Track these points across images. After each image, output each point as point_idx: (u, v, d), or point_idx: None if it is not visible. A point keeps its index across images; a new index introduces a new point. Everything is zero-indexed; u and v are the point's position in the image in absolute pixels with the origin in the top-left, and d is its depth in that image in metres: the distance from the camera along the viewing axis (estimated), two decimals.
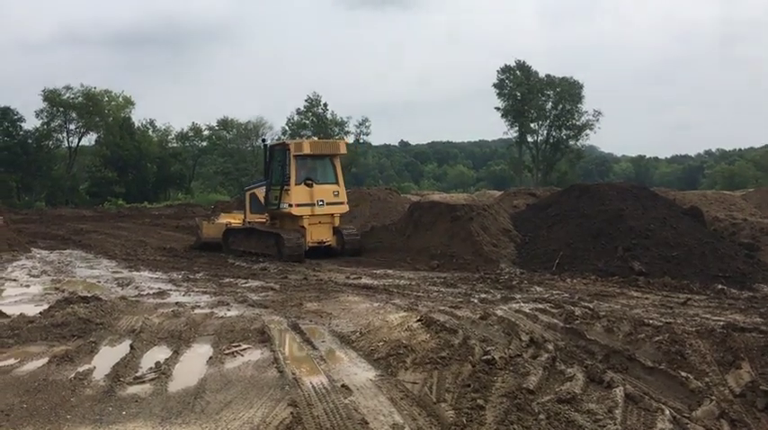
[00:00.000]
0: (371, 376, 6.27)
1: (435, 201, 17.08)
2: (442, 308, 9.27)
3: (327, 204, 16.36)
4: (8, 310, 9.05)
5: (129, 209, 41.07)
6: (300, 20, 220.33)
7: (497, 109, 61.70)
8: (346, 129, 61.35)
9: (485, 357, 6.53)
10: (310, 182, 16.30)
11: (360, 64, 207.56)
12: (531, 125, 61.42)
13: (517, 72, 61.98)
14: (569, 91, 59.80)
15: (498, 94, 61.74)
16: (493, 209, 15.89)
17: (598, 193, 15.17)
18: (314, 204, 16.19)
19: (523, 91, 60.29)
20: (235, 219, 18.75)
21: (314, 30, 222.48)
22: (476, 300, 10.08)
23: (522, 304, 9.67)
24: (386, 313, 8.88)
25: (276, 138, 62.13)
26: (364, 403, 5.50)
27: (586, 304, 9.38)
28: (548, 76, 61.72)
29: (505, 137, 66.22)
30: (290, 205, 16.11)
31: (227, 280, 12.66)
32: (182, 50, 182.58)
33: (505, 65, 62.77)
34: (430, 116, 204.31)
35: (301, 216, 16.18)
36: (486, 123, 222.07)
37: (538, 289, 11.33)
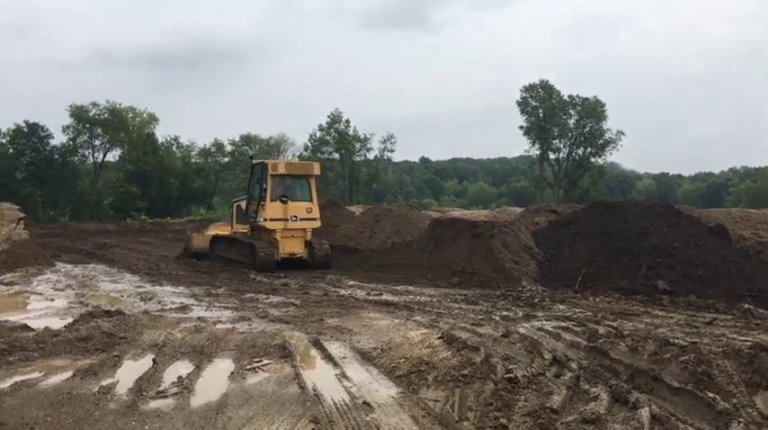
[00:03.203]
0: (393, 393, 6.23)
1: (456, 218, 17.05)
2: (464, 325, 9.21)
3: (300, 220, 17.78)
4: (33, 324, 9.17)
5: (152, 224, 41.53)
6: (324, 40, 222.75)
7: (521, 127, 61.75)
8: (369, 145, 61.64)
9: (507, 375, 6.47)
10: (285, 199, 17.68)
11: (381, 82, 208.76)
12: (554, 142, 61.27)
13: (540, 90, 61.98)
14: (592, 109, 59.61)
15: (521, 111, 61.82)
16: (514, 226, 15.80)
17: (621, 211, 15.02)
18: (287, 219, 17.63)
19: (546, 109, 60.21)
20: (222, 231, 20.38)
21: (336, 49, 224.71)
22: (497, 318, 10.01)
23: (544, 322, 9.57)
24: (407, 330, 8.84)
25: (298, 153, 62.68)
26: (386, 420, 5.46)
27: (610, 323, 9.26)
28: (570, 96, 61.72)
29: (527, 154, 66.19)
30: (265, 219, 17.56)
31: (249, 295, 12.70)
32: (206, 69, 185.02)
33: (529, 83, 62.95)
34: (450, 133, 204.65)
35: (275, 229, 17.58)
36: (507, 140, 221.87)
37: (560, 307, 11.22)
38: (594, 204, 16.81)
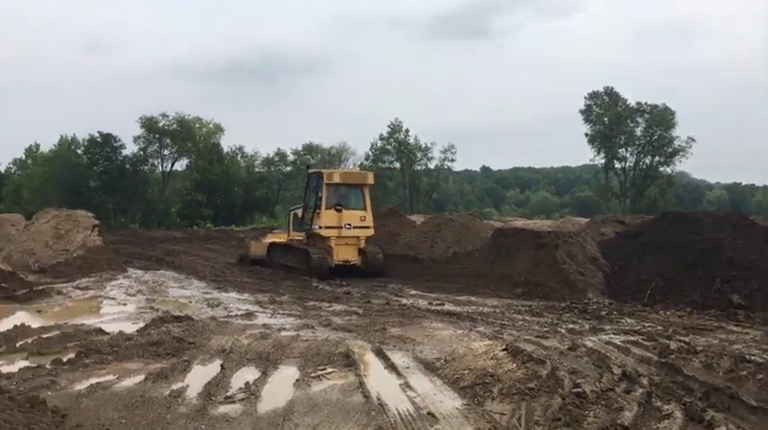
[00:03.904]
0: (457, 405, 6.18)
1: (520, 228, 16.83)
2: (528, 337, 9.08)
3: (354, 227, 18.12)
4: (107, 328, 9.52)
5: (217, 231, 42.47)
6: (386, 50, 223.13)
7: (586, 135, 60.47)
8: (430, 154, 61.53)
9: (575, 390, 6.34)
10: (340, 207, 18.03)
11: (442, 91, 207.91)
12: (620, 151, 59.71)
13: (605, 98, 60.60)
14: (661, 117, 57.86)
15: (585, 119, 60.48)
16: (579, 236, 15.46)
17: (693, 222, 14.51)
18: (341, 227, 17.96)
19: (611, 116, 58.80)
20: (279, 238, 20.98)
21: (398, 59, 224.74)
22: (563, 330, 9.80)
23: (612, 336, 9.34)
24: (470, 340, 8.77)
25: (359, 163, 63.06)
26: None
27: (682, 338, 8.95)
28: (638, 103, 60.09)
29: (591, 163, 64.74)
30: (320, 227, 18.04)
31: (312, 303, 12.83)
32: (270, 80, 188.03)
33: (593, 91, 61.50)
34: (512, 141, 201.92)
35: (329, 237, 17.96)
36: (571, 149, 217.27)
37: (629, 320, 10.91)
38: (665, 215, 16.29)
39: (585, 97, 61.18)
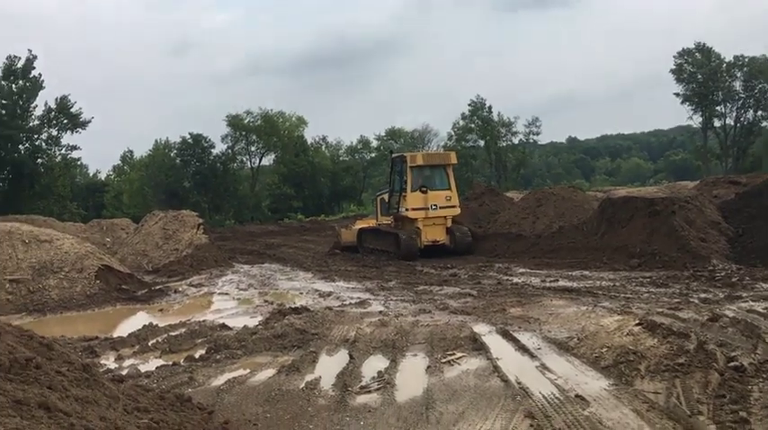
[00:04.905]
0: (604, 385, 5.86)
1: (630, 196, 16.04)
2: (660, 310, 8.59)
3: (440, 208, 18.40)
4: (230, 323, 9.67)
5: (309, 222, 43.16)
6: (461, 28, 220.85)
7: (677, 95, 57.42)
8: (514, 129, 60.24)
9: (731, 364, 5.89)
10: (425, 189, 18.34)
11: (521, 64, 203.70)
12: (718, 108, 56.40)
13: (697, 55, 57.29)
14: (762, 67, 54.08)
15: (677, 79, 57.37)
16: (697, 200, 14.56)
17: None
18: (428, 208, 18.25)
19: (706, 73, 55.54)
20: (368, 224, 21.50)
21: (474, 36, 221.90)
22: (696, 301, 9.22)
23: (751, 303, 8.73)
24: (598, 317, 8.36)
25: (442, 144, 62.55)
26: (606, 415, 5.12)
27: None
28: (736, 56, 56.46)
29: (685, 124, 61.65)
30: (407, 209, 18.40)
31: (421, 287, 12.67)
32: (349, 68, 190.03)
33: (684, 48, 58.24)
34: (598, 109, 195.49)
35: (417, 219, 18.34)
36: (661, 111, 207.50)
37: (764, 286, 10.17)
38: None
39: (675, 56, 58.08)
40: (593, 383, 5.95)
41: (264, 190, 60.91)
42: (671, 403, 5.27)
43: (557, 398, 5.59)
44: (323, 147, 65.45)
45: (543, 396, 5.65)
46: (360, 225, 21.86)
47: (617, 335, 7.24)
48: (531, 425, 5.00)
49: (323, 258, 20.30)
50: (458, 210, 18.92)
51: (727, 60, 56.45)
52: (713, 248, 12.96)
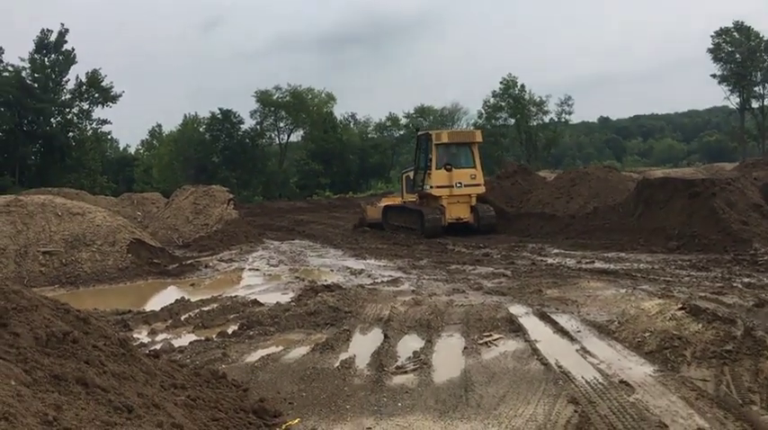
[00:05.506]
0: (649, 371, 5.67)
1: (668, 178, 15.61)
2: (703, 294, 8.35)
3: (465, 186, 18.41)
4: (261, 299, 9.61)
5: (338, 199, 43.08)
6: (492, 5, 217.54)
7: (713, 76, 56.00)
8: (545, 108, 59.32)
9: None
10: (450, 166, 18.37)
11: (554, 40, 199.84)
12: (756, 89, 54.87)
13: (735, 34, 55.67)
14: None
15: (714, 59, 55.89)
16: (739, 182, 14.13)
17: None
18: (452, 186, 18.29)
19: (745, 53, 53.96)
20: (393, 201, 21.57)
21: (505, 14, 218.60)
22: (739, 285, 8.95)
23: None
24: (638, 300, 8.13)
25: (472, 122, 61.92)
26: (653, 402, 4.94)
27: None
28: None
29: (720, 104, 60.24)
30: (432, 187, 18.46)
31: (454, 266, 12.50)
32: (379, 45, 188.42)
33: (722, 27, 56.66)
34: (631, 88, 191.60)
35: (441, 196, 18.36)
36: (696, 91, 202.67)
37: None
38: None
39: (712, 35, 56.57)
40: (637, 369, 5.76)
41: (293, 166, 60.92)
42: (721, 391, 5.07)
43: (600, 383, 5.42)
44: (351, 125, 65.26)
45: (586, 381, 5.48)
46: (385, 202, 21.93)
47: (659, 319, 7.01)
48: (576, 411, 4.84)
49: (352, 235, 20.21)
50: (482, 189, 18.94)
51: (766, 39, 54.80)
52: (755, 231, 12.58)
